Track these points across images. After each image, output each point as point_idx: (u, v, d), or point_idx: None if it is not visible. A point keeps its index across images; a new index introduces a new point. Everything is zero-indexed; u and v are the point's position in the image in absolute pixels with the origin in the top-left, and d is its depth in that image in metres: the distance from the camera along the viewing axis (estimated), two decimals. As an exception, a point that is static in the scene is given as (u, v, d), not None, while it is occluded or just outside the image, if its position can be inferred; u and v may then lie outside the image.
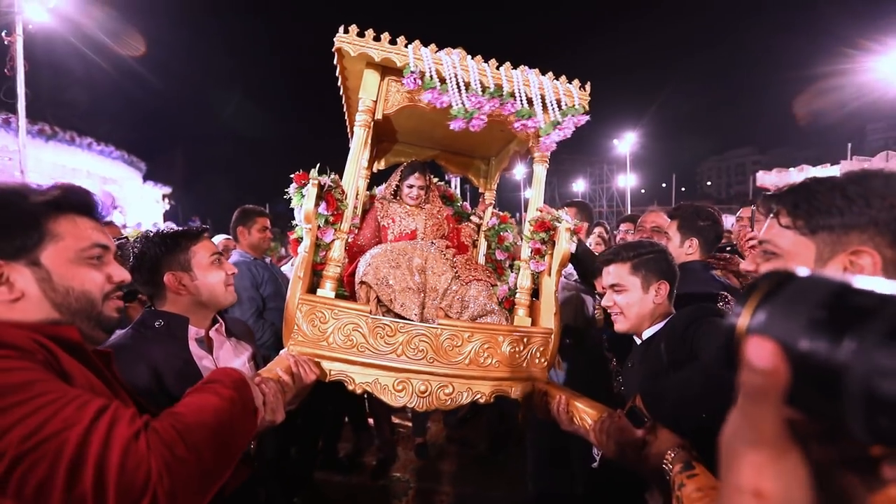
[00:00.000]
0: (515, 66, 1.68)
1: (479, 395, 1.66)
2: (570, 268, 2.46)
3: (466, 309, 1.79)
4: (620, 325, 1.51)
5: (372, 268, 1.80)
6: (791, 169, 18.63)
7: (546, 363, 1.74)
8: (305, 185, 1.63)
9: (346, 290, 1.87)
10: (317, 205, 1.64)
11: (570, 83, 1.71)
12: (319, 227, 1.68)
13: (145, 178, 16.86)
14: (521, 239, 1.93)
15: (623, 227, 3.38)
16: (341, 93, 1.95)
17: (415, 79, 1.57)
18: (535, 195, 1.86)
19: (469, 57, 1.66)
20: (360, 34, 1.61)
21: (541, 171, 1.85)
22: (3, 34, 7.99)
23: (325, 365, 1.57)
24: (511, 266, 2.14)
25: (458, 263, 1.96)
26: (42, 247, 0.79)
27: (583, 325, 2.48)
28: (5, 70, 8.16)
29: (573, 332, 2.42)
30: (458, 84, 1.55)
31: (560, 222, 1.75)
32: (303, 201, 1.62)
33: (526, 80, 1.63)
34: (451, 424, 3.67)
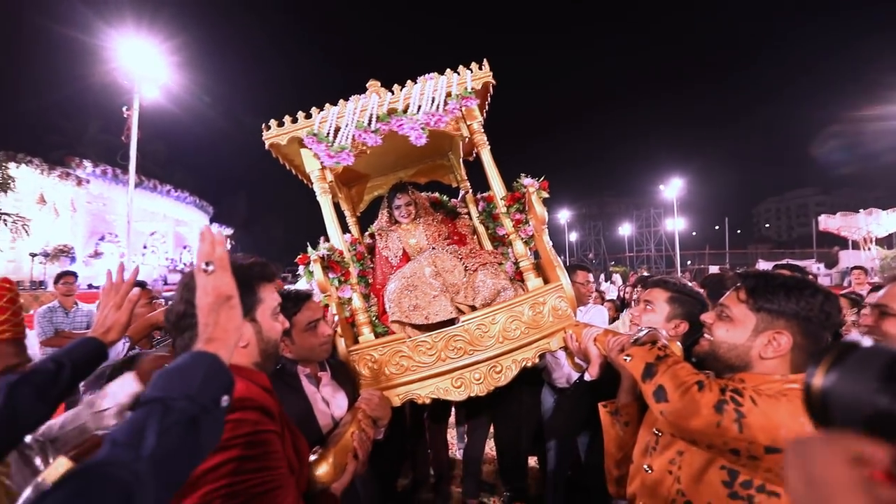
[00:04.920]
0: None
1: (525, 361, 1.86)
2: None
3: (478, 295, 1.98)
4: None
5: (395, 304, 1.99)
6: (860, 212, 15.94)
7: (568, 308, 1.89)
8: (309, 263, 1.90)
9: (387, 326, 2.10)
10: (326, 274, 1.91)
11: (469, 68, 1.82)
12: (336, 288, 1.95)
13: (212, 220, 18.70)
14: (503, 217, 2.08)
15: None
16: (294, 173, 2.20)
17: (313, 140, 1.79)
18: (490, 176, 2.00)
19: (375, 94, 1.83)
20: (280, 123, 1.84)
21: (484, 154, 1.99)
22: (124, 109, 10.00)
23: (391, 393, 1.85)
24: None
25: (463, 254, 2.13)
26: (256, 308, 1.03)
27: None
28: (122, 138, 10.20)
29: None
30: (351, 125, 1.76)
31: (525, 189, 1.89)
32: (312, 277, 1.90)
33: (422, 91, 1.78)
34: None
